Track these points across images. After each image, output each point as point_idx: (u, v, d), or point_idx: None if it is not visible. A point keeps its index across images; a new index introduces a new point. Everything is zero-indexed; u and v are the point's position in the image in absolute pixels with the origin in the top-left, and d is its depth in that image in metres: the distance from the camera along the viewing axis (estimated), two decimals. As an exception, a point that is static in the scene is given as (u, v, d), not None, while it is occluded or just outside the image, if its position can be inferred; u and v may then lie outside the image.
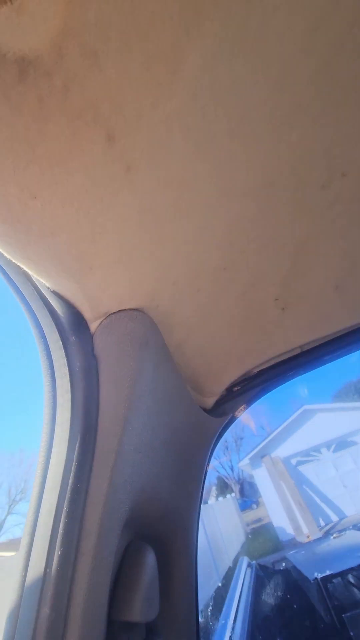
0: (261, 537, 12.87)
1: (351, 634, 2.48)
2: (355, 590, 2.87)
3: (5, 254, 0.36)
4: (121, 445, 0.53)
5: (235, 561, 8.55)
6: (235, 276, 0.67)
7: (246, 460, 13.71)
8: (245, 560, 4.05)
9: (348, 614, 2.60)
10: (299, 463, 12.99)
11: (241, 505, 17.07)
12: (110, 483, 0.52)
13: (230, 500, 14.41)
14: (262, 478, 12.98)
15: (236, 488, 20.10)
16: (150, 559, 0.68)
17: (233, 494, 17.53)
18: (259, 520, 15.56)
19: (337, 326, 0.91)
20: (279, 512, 11.83)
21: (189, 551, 0.82)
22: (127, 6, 0.25)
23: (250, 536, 13.71)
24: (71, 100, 0.28)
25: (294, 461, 12.98)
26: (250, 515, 17.19)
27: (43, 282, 0.42)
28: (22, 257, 0.37)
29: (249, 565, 3.94)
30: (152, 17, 0.26)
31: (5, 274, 0.43)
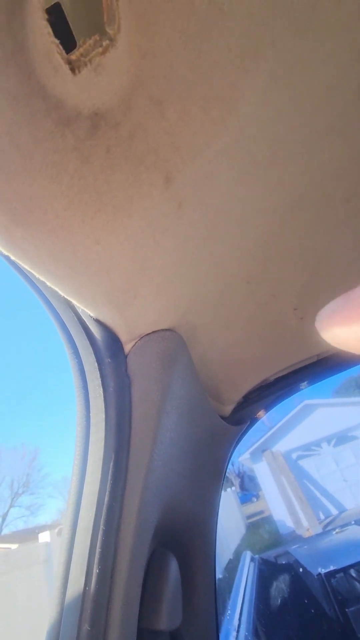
0: (261, 530, 13.00)
1: (355, 628, 2.52)
2: (358, 585, 2.91)
3: (61, 293, 0.37)
4: (151, 461, 0.54)
5: (236, 553, 8.63)
6: (258, 288, 0.67)
7: (247, 455, 13.81)
8: (248, 555, 4.10)
9: (352, 609, 2.64)
10: (300, 457, 13.08)
11: (241, 499, 17.21)
12: (142, 499, 0.53)
13: (230, 494, 14.54)
14: (262, 472, 13.08)
15: (236, 482, 20.27)
16: (173, 568, 0.69)
17: (233, 488, 17.68)
18: (260, 513, 15.70)
19: None
20: (279, 505, 11.94)
21: (208, 558, 0.83)
22: (193, 57, 0.25)
23: (250, 529, 13.85)
24: (135, 147, 0.28)
25: (294, 455, 13.07)
26: (251, 508, 17.35)
27: (87, 311, 0.42)
28: (76, 294, 0.38)
29: (252, 559, 4.00)
30: (214, 64, 0.26)
31: (48, 302, 0.44)
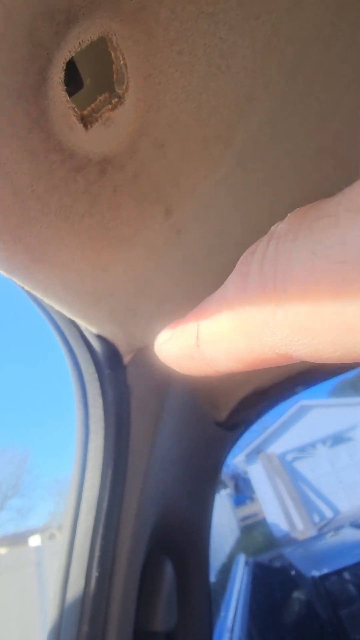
0: (255, 533, 13.00)
1: (348, 630, 2.54)
2: (352, 587, 2.94)
3: (66, 314, 0.39)
4: (149, 468, 0.56)
5: (230, 557, 8.64)
6: None
7: (241, 457, 13.82)
8: (242, 558, 4.12)
9: (345, 611, 2.67)
10: (295, 459, 13.12)
11: (235, 501, 17.20)
12: (140, 504, 0.55)
13: (224, 497, 14.53)
14: (257, 474, 13.10)
15: (231, 484, 20.27)
16: (168, 571, 0.71)
17: (228, 490, 17.66)
18: (253, 515, 15.71)
19: None
20: (273, 508, 11.96)
21: (203, 561, 0.85)
22: (193, 106, 0.28)
23: (244, 531, 13.85)
24: (139, 185, 0.31)
25: (289, 457, 13.10)
26: (245, 510, 17.35)
27: (89, 328, 0.44)
28: (81, 315, 0.40)
29: (246, 562, 4.02)
30: (212, 109, 0.29)
31: (51, 318, 0.46)
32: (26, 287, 0.33)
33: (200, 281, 0.48)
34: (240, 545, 11.10)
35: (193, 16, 0.23)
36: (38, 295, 0.35)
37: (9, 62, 0.20)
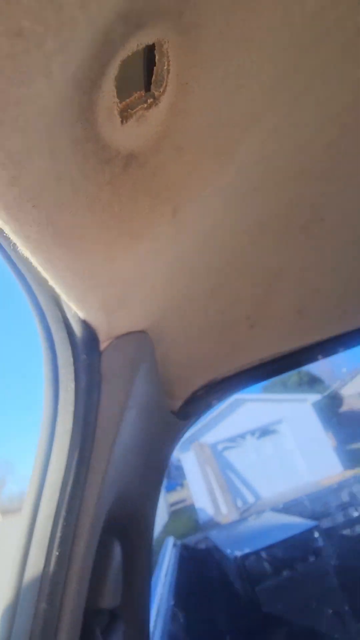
0: (183, 517, 13.52)
1: (262, 603, 2.79)
2: (267, 565, 3.22)
3: (64, 298, 0.39)
4: (112, 454, 0.58)
5: (159, 541, 8.92)
6: (217, 297, 0.74)
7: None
8: (171, 541, 4.29)
9: (260, 587, 2.92)
10: (225, 448, 13.80)
11: (166, 487, 17.70)
12: (101, 489, 0.56)
13: (157, 482, 14.80)
14: (189, 462, 13.59)
15: (163, 470, 20.74)
16: (117, 552, 0.74)
17: (160, 476, 18.01)
18: (182, 501, 16.29)
19: (295, 344, 1.03)
20: (201, 494, 12.53)
21: (147, 543, 0.89)
22: (213, 118, 0.30)
23: (172, 516, 14.33)
24: (155, 183, 0.32)
25: (220, 446, 13.74)
26: (174, 496, 17.92)
27: (78, 313, 0.44)
28: (78, 300, 0.40)
29: (174, 545, 4.19)
30: (225, 124, 0.32)
31: (34, 298, 0.45)
32: (41, 268, 0.33)
33: (188, 276, 0.51)
34: (169, 529, 11.46)
35: (236, 40, 0.25)
36: (46, 276, 0.35)
37: (82, 59, 0.20)
